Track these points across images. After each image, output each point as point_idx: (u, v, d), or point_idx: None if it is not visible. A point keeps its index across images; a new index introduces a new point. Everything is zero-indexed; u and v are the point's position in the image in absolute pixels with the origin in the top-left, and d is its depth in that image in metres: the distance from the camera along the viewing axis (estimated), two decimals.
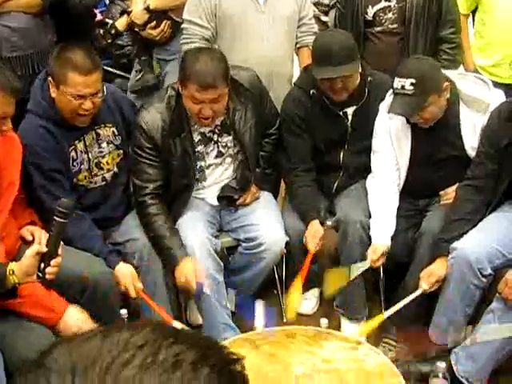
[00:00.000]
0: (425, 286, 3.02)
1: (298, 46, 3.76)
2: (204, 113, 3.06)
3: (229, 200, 3.44)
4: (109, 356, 0.64)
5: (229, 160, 3.40)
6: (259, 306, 3.37)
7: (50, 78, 2.96)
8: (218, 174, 3.42)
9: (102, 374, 0.63)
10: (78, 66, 2.88)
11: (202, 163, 3.36)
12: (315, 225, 3.37)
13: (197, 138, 3.29)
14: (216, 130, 3.31)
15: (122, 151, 3.26)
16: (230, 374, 0.67)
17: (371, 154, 3.40)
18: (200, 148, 3.31)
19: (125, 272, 3.04)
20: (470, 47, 3.84)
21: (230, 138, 3.34)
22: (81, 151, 3.10)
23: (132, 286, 3.01)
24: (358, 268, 3.19)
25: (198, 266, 3.12)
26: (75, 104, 2.92)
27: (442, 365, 2.83)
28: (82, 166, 3.13)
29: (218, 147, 3.35)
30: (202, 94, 3.01)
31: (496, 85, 3.25)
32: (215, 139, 3.33)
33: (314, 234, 3.34)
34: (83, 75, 2.88)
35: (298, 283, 3.23)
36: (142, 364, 0.64)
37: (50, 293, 2.65)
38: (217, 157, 3.37)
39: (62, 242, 2.52)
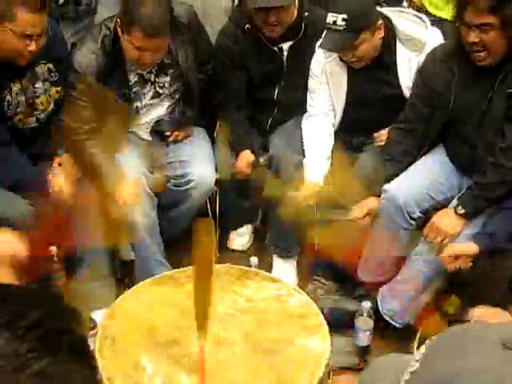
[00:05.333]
0: (356, 213, 3.01)
1: None
2: (145, 60, 2.98)
3: (162, 135, 3.39)
4: None
5: (165, 101, 3.32)
6: None
7: None
8: (153, 114, 3.35)
9: None
10: (28, 1, 2.63)
11: (138, 103, 3.27)
12: (246, 154, 3.39)
13: (133, 79, 3.19)
14: (153, 71, 3.21)
15: (60, 88, 3.07)
16: None
17: (307, 94, 3.35)
18: (136, 89, 3.22)
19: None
20: None
21: (168, 78, 3.25)
22: (16, 93, 2.91)
23: None
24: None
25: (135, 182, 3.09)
26: (19, 44, 2.70)
27: (366, 305, 2.89)
28: (18, 109, 2.94)
29: (154, 88, 3.26)
30: (146, 42, 2.89)
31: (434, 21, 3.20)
32: (152, 80, 3.24)
33: (242, 159, 3.37)
34: (33, 12, 2.65)
35: None
36: None
37: None
38: (153, 97, 3.28)
39: None
